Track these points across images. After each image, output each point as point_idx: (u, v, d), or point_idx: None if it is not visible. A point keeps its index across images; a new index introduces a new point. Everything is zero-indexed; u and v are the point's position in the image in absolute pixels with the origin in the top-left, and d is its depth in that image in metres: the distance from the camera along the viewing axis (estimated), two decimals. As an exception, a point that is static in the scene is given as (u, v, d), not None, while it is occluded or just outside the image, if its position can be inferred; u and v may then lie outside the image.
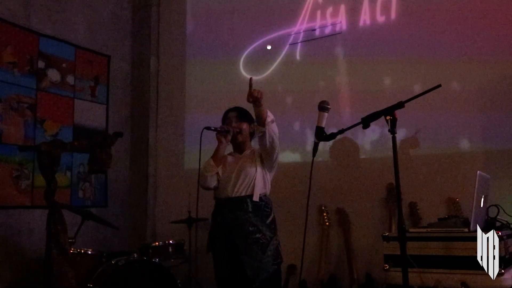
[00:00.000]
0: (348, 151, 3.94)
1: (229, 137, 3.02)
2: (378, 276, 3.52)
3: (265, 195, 2.97)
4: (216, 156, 3.00)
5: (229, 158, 3.10)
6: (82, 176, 4.50)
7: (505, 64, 3.42)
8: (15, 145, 3.89)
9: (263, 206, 2.92)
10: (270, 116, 2.79)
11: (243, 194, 2.90)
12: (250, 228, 2.84)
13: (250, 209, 2.87)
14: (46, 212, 2.85)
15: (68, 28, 4.52)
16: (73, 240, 3.37)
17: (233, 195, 2.92)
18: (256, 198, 2.88)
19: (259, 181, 2.92)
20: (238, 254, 2.84)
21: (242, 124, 3.06)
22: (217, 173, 2.98)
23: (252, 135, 3.13)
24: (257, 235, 2.84)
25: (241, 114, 3.09)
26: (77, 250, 3.41)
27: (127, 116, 5.05)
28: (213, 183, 2.99)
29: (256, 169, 2.95)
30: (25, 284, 3.81)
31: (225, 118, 3.12)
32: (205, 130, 2.92)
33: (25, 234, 3.97)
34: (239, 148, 3.11)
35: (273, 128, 2.82)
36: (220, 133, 3.00)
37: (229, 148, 3.17)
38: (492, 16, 3.50)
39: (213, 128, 2.99)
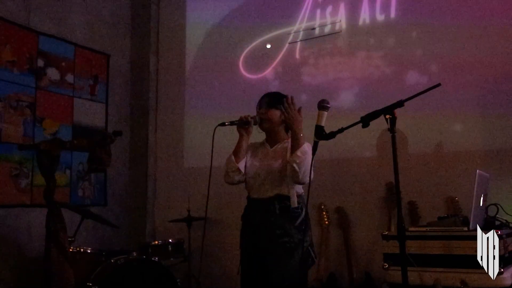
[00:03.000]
0: (348, 150, 3.94)
1: (251, 128, 2.79)
2: (377, 275, 3.52)
3: (299, 195, 2.72)
4: (237, 151, 2.78)
5: (260, 151, 2.87)
6: (82, 175, 4.49)
7: (505, 62, 3.43)
8: (15, 143, 3.88)
9: (292, 207, 2.69)
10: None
11: (271, 194, 2.70)
12: (278, 231, 2.64)
13: (277, 211, 2.67)
14: (45, 211, 2.84)
15: (67, 26, 4.51)
16: (73, 239, 3.36)
17: (260, 196, 2.74)
18: (294, 204, 2.67)
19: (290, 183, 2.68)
20: (263, 257, 2.66)
21: (269, 110, 2.78)
22: (238, 168, 2.76)
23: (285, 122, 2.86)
24: (285, 239, 2.63)
25: (271, 100, 2.83)
26: (76, 249, 3.41)
27: (126, 115, 5.04)
28: (236, 178, 2.79)
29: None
30: (24, 283, 3.81)
31: (259, 103, 2.88)
32: (218, 127, 2.71)
33: (24, 233, 3.96)
34: (270, 137, 2.86)
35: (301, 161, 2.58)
36: (239, 125, 2.78)
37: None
38: (493, 14, 3.50)
39: (227, 123, 2.76)
